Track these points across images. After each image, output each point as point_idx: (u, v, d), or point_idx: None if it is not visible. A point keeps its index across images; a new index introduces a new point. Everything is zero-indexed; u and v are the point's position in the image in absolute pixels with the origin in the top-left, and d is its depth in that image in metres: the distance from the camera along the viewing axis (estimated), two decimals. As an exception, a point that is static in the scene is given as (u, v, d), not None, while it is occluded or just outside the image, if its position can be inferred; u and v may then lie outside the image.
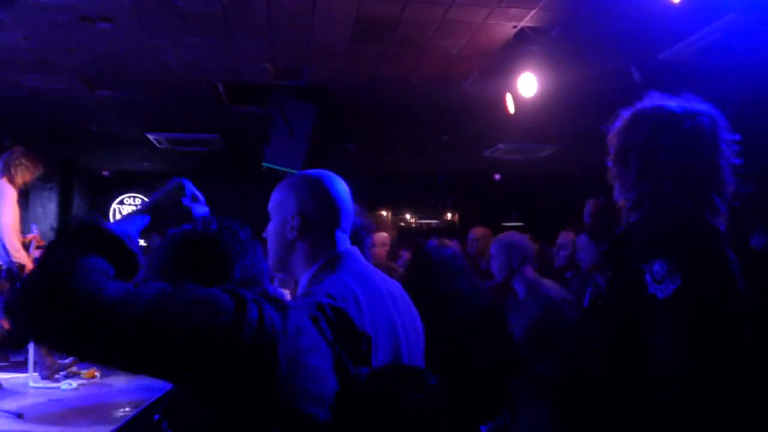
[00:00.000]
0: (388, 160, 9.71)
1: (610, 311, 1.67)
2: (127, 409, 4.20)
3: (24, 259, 4.74)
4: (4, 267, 4.70)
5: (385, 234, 5.61)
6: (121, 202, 11.21)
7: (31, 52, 5.04)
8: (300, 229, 1.67)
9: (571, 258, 4.37)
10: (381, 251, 5.23)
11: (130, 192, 11.17)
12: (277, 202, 1.75)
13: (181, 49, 4.99)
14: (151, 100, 6.53)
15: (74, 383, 4.81)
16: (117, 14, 4.31)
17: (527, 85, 4.91)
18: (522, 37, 4.62)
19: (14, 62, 5.27)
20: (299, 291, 1.67)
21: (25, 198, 5.19)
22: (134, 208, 11.08)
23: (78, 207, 10.50)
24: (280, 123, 5.85)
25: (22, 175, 4.94)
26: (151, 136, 7.92)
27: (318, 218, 1.69)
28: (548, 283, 3.46)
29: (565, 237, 4.68)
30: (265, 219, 1.79)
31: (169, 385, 2.55)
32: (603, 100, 5.13)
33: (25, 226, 5.26)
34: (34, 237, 5.06)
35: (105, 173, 10.99)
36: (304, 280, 1.68)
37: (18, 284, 4.62)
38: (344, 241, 1.74)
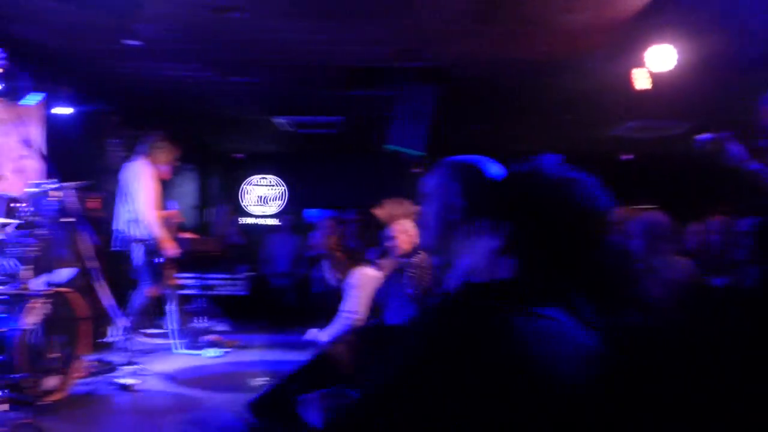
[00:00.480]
0: (510, 139, 9.53)
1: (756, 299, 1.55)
2: (265, 378, 4.50)
3: (161, 234, 5.14)
4: (147, 242, 5.13)
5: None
6: (251, 183, 11.79)
7: (171, 43, 5.40)
8: (462, 213, 1.73)
9: (726, 244, 4.06)
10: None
11: (260, 173, 11.72)
12: (437, 185, 1.81)
13: (304, 35, 5.15)
14: (277, 85, 6.78)
15: (218, 351, 5.23)
16: (246, 3, 4.52)
17: (659, 58, 4.63)
18: (653, 7, 4.35)
19: (156, 53, 5.67)
20: (457, 273, 1.72)
21: (167, 179, 5.61)
22: (264, 188, 11.69)
23: (214, 187, 11.19)
24: (401, 105, 5.91)
25: (161, 157, 5.37)
26: (277, 120, 8.24)
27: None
28: (683, 261, 3.34)
29: (714, 223, 4.36)
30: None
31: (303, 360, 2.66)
32: (744, 71, 4.77)
33: (167, 204, 5.69)
34: (172, 213, 5.46)
35: (237, 155, 11.59)
36: (465, 263, 1.73)
37: (155, 259, 5.01)
38: None
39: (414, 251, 3.32)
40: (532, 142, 9.69)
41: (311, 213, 10.08)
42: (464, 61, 5.74)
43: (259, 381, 4.52)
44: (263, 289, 8.15)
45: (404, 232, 3.81)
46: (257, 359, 5.31)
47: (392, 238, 3.90)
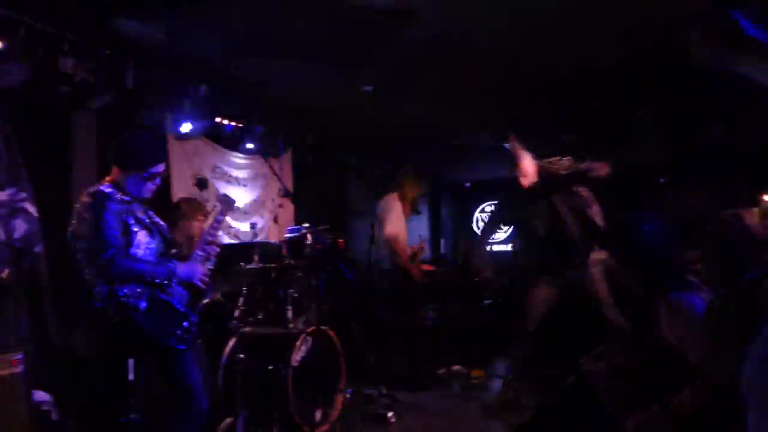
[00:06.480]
0: None
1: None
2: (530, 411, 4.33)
3: (407, 265, 5.26)
4: (395, 273, 5.28)
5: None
6: (482, 210, 11.77)
7: (400, 83, 5.55)
8: None
9: None
10: None
11: (490, 200, 11.66)
12: None
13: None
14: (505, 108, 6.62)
15: (465, 381, 5.23)
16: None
17: None
18: None
19: (387, 93, 5.89)
20: None
21: (408, 215, 5.77)
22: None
23: (445, 216, 11.37)
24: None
25: (410, 191, 5.52)
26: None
27: None
28: None
29: None
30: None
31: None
32: None
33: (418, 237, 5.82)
34: (417, 247, 5.60)
35: (467, 184, 11.66)
36: None
37: (405, 290, 5.02)
38: None
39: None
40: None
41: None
42: None
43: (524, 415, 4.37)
44: (506, 318, 7.98)
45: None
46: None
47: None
